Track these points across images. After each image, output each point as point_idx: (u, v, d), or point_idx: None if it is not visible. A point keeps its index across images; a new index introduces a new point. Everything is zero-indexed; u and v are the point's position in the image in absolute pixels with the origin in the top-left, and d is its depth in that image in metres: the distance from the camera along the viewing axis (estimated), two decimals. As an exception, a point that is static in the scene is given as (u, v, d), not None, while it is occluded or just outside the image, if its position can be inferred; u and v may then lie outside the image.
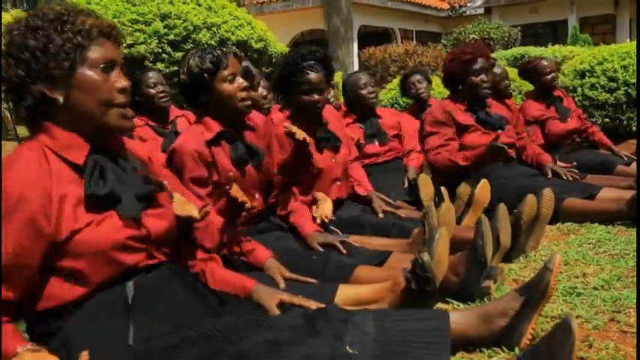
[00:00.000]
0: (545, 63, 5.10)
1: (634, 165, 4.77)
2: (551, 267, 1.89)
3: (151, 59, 5.45)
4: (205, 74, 2.47)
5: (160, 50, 5.45)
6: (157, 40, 5.43)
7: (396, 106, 7.58)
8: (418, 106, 5.30)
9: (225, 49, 2.53)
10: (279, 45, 6.55)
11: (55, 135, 1.62)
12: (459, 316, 1.90)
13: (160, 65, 5.42)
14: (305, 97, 3.07)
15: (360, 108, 4.50)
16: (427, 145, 4.00)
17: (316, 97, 3.06)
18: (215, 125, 2.56)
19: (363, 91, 4.41)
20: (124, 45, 5.38)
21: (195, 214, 1.92)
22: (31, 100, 1.60)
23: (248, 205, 2.21)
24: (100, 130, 1.66)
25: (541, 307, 1.90)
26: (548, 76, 5.03)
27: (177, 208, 1.89)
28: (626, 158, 4.89)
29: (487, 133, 3.94)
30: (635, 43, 6.74)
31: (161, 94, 4.11)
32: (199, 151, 2.49)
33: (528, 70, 5.20)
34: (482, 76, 3.89)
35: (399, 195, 3.98)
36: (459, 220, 3.40)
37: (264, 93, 3.96)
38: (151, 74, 4.17)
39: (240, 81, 2.52)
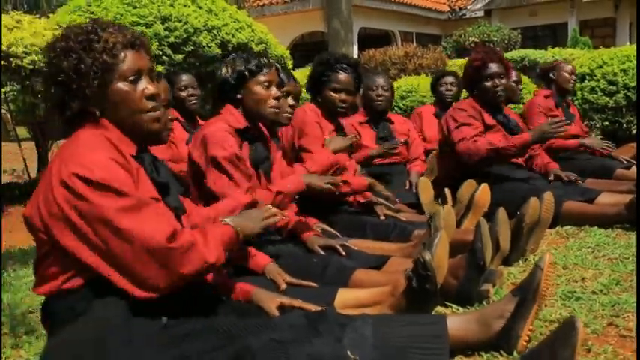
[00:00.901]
0: (568, 65, 5.25)
1: (634, 169, 4.78)
2: (542, 265, 1.91)
3: (151, 61, 5.45)
4: (246, 72, 2.61)
5: (161, 53, 5.48)
6: (157, 43, 5.46)
7: (396, 108, 7.59)
8: (440, 106, 5.43)
9: (270, 60, 2.69)
10: (280, 47, 6.57)
11: (109, 128, 1.73)
12: (457, 320, 1.90)
13: (160, 68, 5.45)
14: (333, 94, 3.34)
15: (370, 109, 4.58)
16: (461, 134, 3.90)
17: (343, 96, 3.34)
18: (242, 119, 2.65)
19: (372, 93, 4.51)
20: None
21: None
22: (72, 113, 1.72)
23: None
24: (137, 135, 1.76)
25: (536, 307, 1.90)
26: (569, 75, 5.15)
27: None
28: (625, 162, 4.90)
29: (507, 136, 3.95)
30: (634, 46, 6.76)
31: (191, 97, 4.30)
32: (232, 133, 2.58)
33: (549, 68, 5.29)
34: (495, 81, 3.90)
35: (401, 197, 4.00)
36: (458, 224, 3.41)
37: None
38: (184, 77, 4.32)
39: (274, 90, 2.64)
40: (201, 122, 4.48)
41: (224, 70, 2.69)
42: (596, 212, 3.53)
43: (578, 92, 6.60)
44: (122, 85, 1.70)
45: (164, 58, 5.48)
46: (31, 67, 4.74)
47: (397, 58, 10.88)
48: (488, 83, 3.91)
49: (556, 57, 12.12)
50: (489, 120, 3.96)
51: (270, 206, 2.05)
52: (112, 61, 1.69)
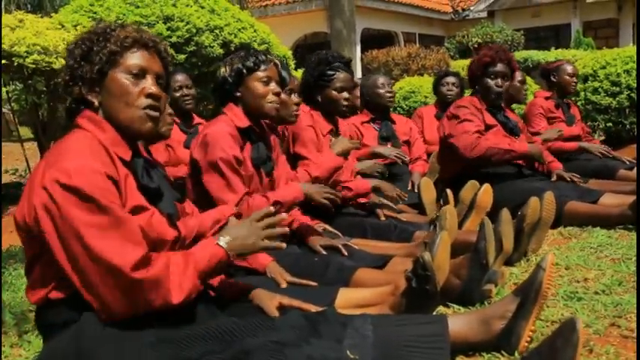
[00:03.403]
0: (570, 66, 5.22)
1: (636, 169, 4.77)
2: (544, 266, 1.89)
3: (153, 61, 5.45)
4: (245, 70, 2.60)
5: (163, 52, 5.45)
6: (159, 43, 5.43)
7: (398, 109, 7.60)
8: (440, 106, 5.45)
9: (268, 56, 2.66)
10: (282, 48, 6.56)
11: (105, 128, 1.71)
12: (458, 320, 1.89)
13: (162, 67, 5.43)
14: (337, 94, 3.32)
15: (377, 108, 4.59)
16: (464, 128, 3.86)
17: (346, 95, 3.33)
18: (244, 118, 2.65)
19: (382, 91, 4.58)
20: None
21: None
22: (72, 100, 1.74)
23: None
24: (130, 133, 1.74)
25: (537, 308, 1.89)
26: (570, 78, 5.13)
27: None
28: (628, 163, 4.88)
29: (507, 136, 3.95)
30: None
31: (185, 98, 4.21)
32: (233, 134, 2.58)
33: (552, 68, 5.27)
34: (498, 80, 3.89)
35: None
36: (460, 224, 3.40)
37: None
38: (178, 77, 4.24)
39: (273, 86, 2.62)
40: (198, 120, 4.44)
41: (223, 69, 2.68)
42: (599, 213, 3.51)
43: (581, 93, 6.58)
44: (122, 76, 1.71)
45: (166, 57, 5.47)
46: (34, 66, 4.72)
47: (400, 59, 10.89)
48: (492, 81, 3.90)
49: (559, 58, 12.08)
50: (490, 119, 3.95)
51: (271, 208, 1.85)
52: (119, 50, 1.70)
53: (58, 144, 1.68)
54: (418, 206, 3.87)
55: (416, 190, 4.16)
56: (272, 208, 1.85)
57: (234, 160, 2.54)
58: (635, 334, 2.00)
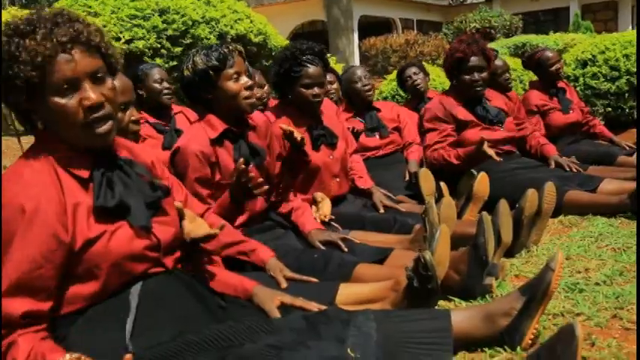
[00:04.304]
0: (549, 54, 5.06)
1: (635, 155, 4.75)
2: (553, 266, 1.88)
3: (149, 54, 5.44)
4: (211, 71, 2.49)
5: (159, 45, 5.44)
6: (155, 35, 5.42)
7: (397, 97, 7.55)
8: (416, 99, 5.30)
9: (230, 47, 2.53)
10: (279, 38, 6.52)
11: (57, 147, 1.61)
12: (462, 315, 1.88)
13: (158, 60, 5.41)
14: (305, 91, 3.12)
15: (357, 102, 4.50)
16: (425, 142, 3.98)
17: (317, 90, 3.12)
18: (219, 123, 2.57)
19: (357, 85, 4.41)
20: (123, 41, 5.35)
21: (210, 231, 1.91)
22: (21, 123, 1.64)
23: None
24: (84, 148, 1.64)
25: (543, 307, 1.88)
26: (552, 68, 5.00)
27: (191, 227, 1.89)
28: (627, 148, 4.87)
29: (487, 128, 3.92)
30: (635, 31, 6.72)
31: (166, 91, 4.09)
32: (203, 151, 2.51)
33: (532, 61, 5.17)
34: (474, 75, 3.85)
35: (400, 189, 3.97)
36: (459, 215, 3.39)
37: (262, 93, 3.98)
38: (156, 70, 4.13)
39: (244, 80, 2.54)
40: (177, 108, 4.31)
41: (186, 72, 2.56)
42: (599, 201, 3.51)
43: (580, 78, 6.55)
44: (55, 99, 1.53)
45: (162, 50, 5.43)
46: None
47: (398, 46, 10.86)
48: (467, 77, 3.87)
49: (558, 42, 12.04)
50: (464, 115, 3.91)
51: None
52: (37, 73, 1.50)
53: (15, 165, 1.61)
54: (417, 196, 3.85)
55: (413, 180, 4.13)
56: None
57: (195, 180, 2.51)
58: (636, 327, 2.00)
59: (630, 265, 2.59)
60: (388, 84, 7.75)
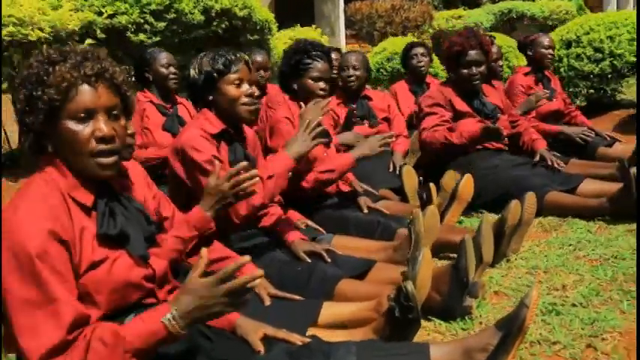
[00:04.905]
0: (545, 39, 5.19)
1: (616, 146, 4.83)
2: (527, 303, 1.93)
3: (132, 30, 5.36)
4: (215, 74, 2.58)
5: (142, 20, 5.37)
6: (138, 10, 5.34)
7: (382, 70, 7.54)
8: (414, 80, 5.41)
9: (238, 55, 2.63)
10: (264, 11, 6.44)
11: (65, 173, 1.67)
12: (441, 351, 1.93)
13: (142, 36, 5.35)
14: (313, 83, 3.26)
15: (345, 89, 4.53)
16: (424, 124, 3.99)
17: (322, 84, 3.27)
18: (217, 122, 2.63)
19: (343, 74, 4.50)
20: (105, 16, 5.25)
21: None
22: (28, 144, 1.67)
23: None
24: (87, 177, 1.68)
25: (519, 341, 1.93)
26: (546, 50, 5.11)
27: None
28: (608, 139, 4.93)
29: (482, 121, 3.96)
30: (622, 12, 6.71)
31: (172, 76, 4.24)
32: (208, 138, 2.58)
33: (528, 42, 5.27)
34: (472, 69, 3.87)
35: (384, 182, 4.01)
36: (442, 214, 3.45)
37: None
38: (164, 54, 4.27)
39: (246, 87, 2.61)
40: (179, 99, 4.38)
41: (192, 72, 2.66)
42: (578, 204, 3.57)
43: (564, 59, 6.56)
44: (68, 123, 1.62)
45: (146, 26, 5.35)
46: (9, 38, 4.62)
47: (384, 11, 10.74)
48: (465, 71, 3.90)
49: (544, 9, 11.99)
50: (461, 106, 3.95)
51: (228, 269, 1.56)
52: (60, 97, 1.60)
53: (19, 193, 1.64)
54: (400, 190, 3.89)
55: (397, 172, 4.18)
56: (246, 259, 1.58)
57: (214, 159, 2.53)
58: (609, 358, 2.07)
59: (606, 283, 2.66)
60: (373, 56, 7.70)
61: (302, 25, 9.34)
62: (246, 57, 2.69)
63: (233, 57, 2.61)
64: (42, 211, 1.57)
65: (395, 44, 7.70)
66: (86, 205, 1.67)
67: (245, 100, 2.60)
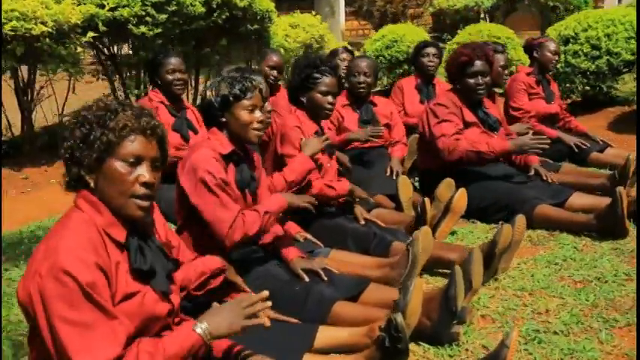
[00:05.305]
0: (552, 44, 5.31)
1: (607, 151, 4.95)
2: (508, 344, 2.08)
3: (134, 22, 5.40)
4: (231, 98, 2.71)
5: (144, 13, 5.41)
6: (140, 3, 5.38)
7: (380, 58, 7.58)
8: (422, 79, 5.54)
9: (254, 82, 2.74)
10: (265, 1, 6.46)
11: (101, 210, 1.81)
12: (428, 385, 2.09)
13: (143, 28, 5.39)
14: (321, 97, 3.44)
15: (353, 93, 4.65)
16: (442, 130, 3.98)
17: (330, 99, 3.46)
18: (227, 143, 2.77)
19: (354, 79, 4.58)
20: (107, 8, 5.30)
21: None
22: (70, 177, 1.83)
23: None
24: (120, 216, 1.83)
25: (499, 377, 2.09)
26: (552, 55, 5.24)
27: None
28: (601, 143, 5.05)
29: (485, 132, 4.05)
30: (621, 9, 6.76)
31: (177, 82, 4.35)
32: (217, 158, 2.70)
33: (535, 44, 5.37)
34: (478, 79, 3.96)
35: (380, 188, 4.13)
36: (435, 226, 3.58)
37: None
38: (172, 60, 4.36)
39: (258, 114, 2.74)
40: (187, 104, 4.52)
41: (209, 93, 2.79)
42: (566, 219, 3.69)
43: (562, 55, 6.61)
44: (118, 164, 1.78)
45: (147, 18, 5.40)
46: (12, 32, 4.68)
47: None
48: (472, 81, 3.98)
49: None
50: (469, 117, 4.05)
51: (252, 296, 1.86)
52: (116, 140, 1.77)
53: (60, 224, 1.79)
54: (395, 198, 4.01)
55: (394, 177, 4.30)
56: (264, 294, 1.86)
57: (222, 182, 2.67)
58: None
59: (588, 309, 2.79)
60: (372, 44, 7.75)
61: (302, 5, 9.34)
62: (262, 85, 2.81)
63: (249, 84, 2.73)
64: (86, 243, 1.71)
65: (393, 31, 7.74)
66: (120, 242, 1.83)
67: (256, 125, 2.74)
